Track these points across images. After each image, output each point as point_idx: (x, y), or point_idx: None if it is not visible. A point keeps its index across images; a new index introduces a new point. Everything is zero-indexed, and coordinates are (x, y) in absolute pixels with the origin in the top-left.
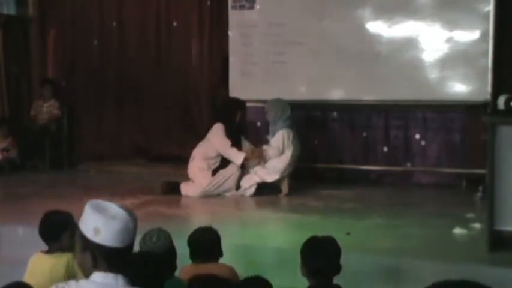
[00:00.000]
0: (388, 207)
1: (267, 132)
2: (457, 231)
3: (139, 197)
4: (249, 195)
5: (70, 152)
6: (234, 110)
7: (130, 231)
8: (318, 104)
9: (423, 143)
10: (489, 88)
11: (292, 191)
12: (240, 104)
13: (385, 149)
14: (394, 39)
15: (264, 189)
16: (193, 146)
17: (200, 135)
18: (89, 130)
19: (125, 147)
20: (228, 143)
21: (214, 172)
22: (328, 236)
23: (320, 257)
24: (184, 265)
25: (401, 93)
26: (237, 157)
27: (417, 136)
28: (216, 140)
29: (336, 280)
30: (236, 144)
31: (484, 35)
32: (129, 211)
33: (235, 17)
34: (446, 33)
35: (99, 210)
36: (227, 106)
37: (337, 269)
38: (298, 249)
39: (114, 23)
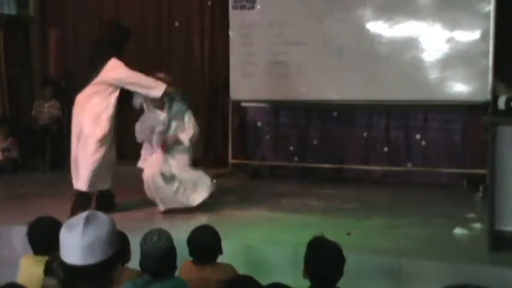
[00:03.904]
0: (388, 207)
1: (265, 131)
2: (458, 231)
3: (139, 197)
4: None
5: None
6: (122, 39)
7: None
8: (318, 104)
9: (423, 143)
10: (489, 88)
11: (285, 192)
12: (126, 31)
13: (386, 149)
14: (394, 40)
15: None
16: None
17: (201, 134)
18: None
19: (125, 147)
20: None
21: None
22: (333, 243)
23: (324, 265)
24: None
25: (401, 93)
26: (158, 86)
27: (417, 136)
28: (114, 74)
29: None
30: (125, 101)
31: (484, 35)
32: (94, 226)
33: (235, 17)
34: (446, 34)
35: (66, 226)
36: (112, 33)
37: (340, 275)
38: (299, 249)
39: None
